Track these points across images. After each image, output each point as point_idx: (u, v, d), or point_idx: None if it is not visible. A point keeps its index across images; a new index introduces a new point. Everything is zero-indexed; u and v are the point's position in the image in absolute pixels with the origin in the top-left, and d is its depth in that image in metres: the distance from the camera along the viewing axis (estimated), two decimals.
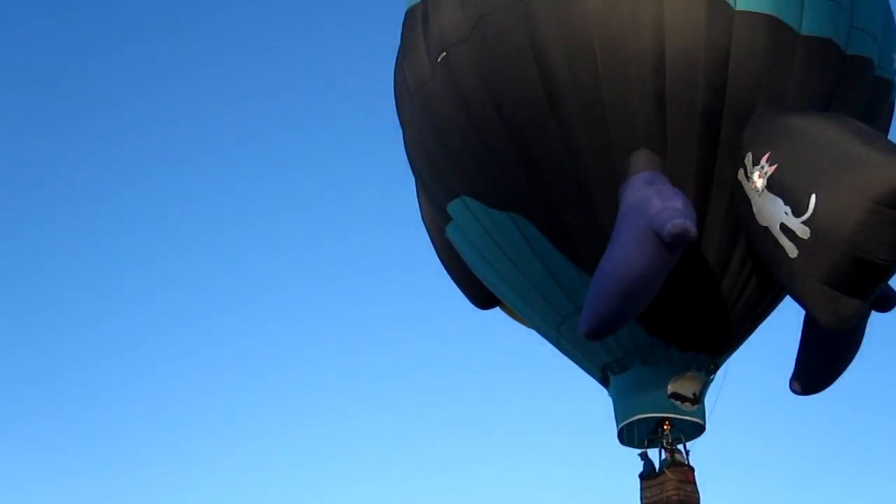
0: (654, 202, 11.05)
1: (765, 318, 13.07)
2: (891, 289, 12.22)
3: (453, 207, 13.54)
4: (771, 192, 10.74)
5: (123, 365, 39.21)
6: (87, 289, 39.60)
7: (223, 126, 42.90)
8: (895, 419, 37.26)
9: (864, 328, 12.53)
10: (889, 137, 13.77)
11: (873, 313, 12.36)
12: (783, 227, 10.52)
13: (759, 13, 11.73)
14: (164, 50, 42.73)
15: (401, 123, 14.12)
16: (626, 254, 11.06)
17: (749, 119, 11.67)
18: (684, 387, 12.52)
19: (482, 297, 14.75)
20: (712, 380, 12.91)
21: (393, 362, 39.35)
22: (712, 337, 12.65)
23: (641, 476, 12.85)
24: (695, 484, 12.55)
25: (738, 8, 11.70)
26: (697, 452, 12.73)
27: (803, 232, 10.28)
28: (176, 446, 36.79)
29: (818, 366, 12.69)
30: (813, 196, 10.19)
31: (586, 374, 13.66)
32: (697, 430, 12.75)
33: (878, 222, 9.83)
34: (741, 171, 11.40)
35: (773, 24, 11.74)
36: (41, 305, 39.57)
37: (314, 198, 40.89)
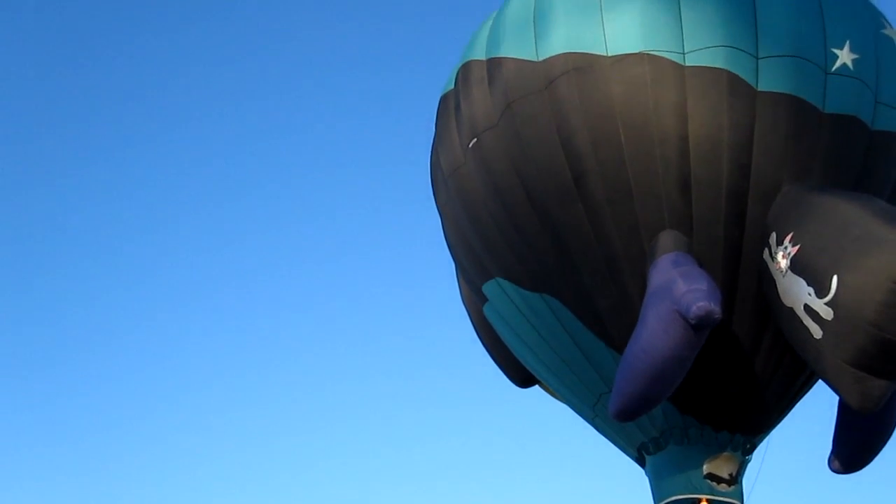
0: (679, 284, 11.15)
1: (802, 395, 12.97)
2: None
3: (488, 288, 13.80)
4: (794, 272, 10.77)
5: (121, 364, 39.80)
6: (85, 288, 40.35)
7: (225, 129, 43.32)
8: None
9: None
10: None
11: None
12: (807, 308, 10.53)
13: (782, 93, 11.87)
14: (166, 54, 43.50)
15: (437, 207, 14.48)
16: (652, 336, 11.15)
17: (775, 198, 11.78)
18: (720, 467, 12.44)
19: (521, 376, 14.91)
20: (749, 460, 12.79)
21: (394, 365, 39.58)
22: (747, 416, 12.59)
23: None
24: None
25: (760, 88, 11.86)
26: None
27: (827, 313, 10.28)
28: (175, 446, 37.25)
29: (855, 444, 12.53)
30: (835, 277, 10.20)
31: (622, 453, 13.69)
32: None
33: None
34: (766, 251, 11.45)
35: (797, 104, 11.86)
36: (39, 304, 40.40)
37: (314, 201, 41.48)
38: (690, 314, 10.75)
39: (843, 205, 10.93)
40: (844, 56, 12.18)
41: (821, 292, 10.35)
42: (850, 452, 12.57)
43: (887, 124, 12.42)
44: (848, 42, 12.23)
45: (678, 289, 11.09)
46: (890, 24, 13.17)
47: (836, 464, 12.66)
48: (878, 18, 13.06)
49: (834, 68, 12.09)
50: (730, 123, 11.81)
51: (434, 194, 14.51)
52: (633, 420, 11.97)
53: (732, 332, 12.09)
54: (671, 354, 11.00)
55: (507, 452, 37.54)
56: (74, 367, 39.47)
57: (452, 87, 13.92)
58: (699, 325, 10.79)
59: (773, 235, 11.35)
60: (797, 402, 13.01)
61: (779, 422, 13.12)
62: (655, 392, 11.28)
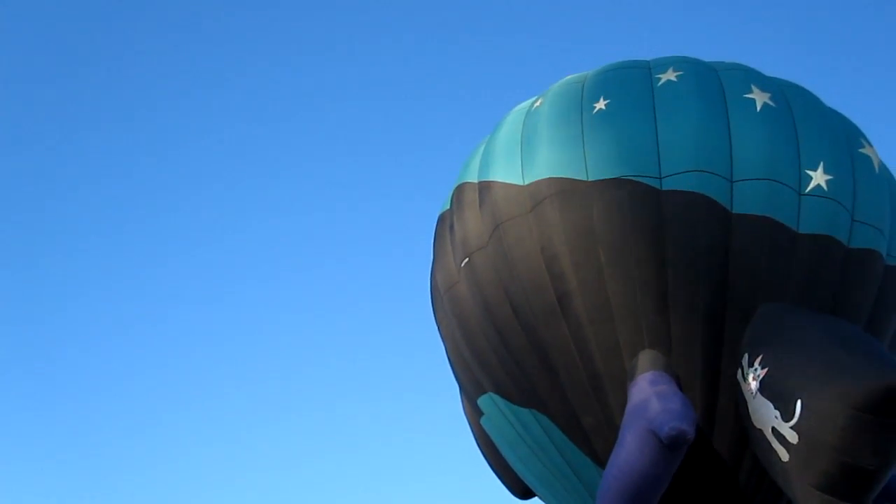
0: (653, 404, 11.45)
1: None
2: None
3: (483, 402, 14.20)
4: (763, 395, 11.00)
5: (120, 362, 40.84)
6: (83, 287, 41.21)
7: (229, 134, 44.36)
8: None
9: None
10: None
11: None
12: (775, 431, 10.73)
13: (756, 215, 12.24)
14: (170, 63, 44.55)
15: (436, 324, 14.97)
16: (628, 455, 11.42)
17: (751, 318, 12.05)
18: None
19: (520, 488, 15.13)
20: None
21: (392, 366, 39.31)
22: None
23: None
24: None
25: (734, 211, 12.26)
26: None
27: (792, 437, 10.47)
28: (174, 446, 37.82)
29: None
30: (799, 402, 10.42)
31: None
32: None
33: (861, 429, 9.97)
34: (739, 372, 11.70)
35: (771, 225, 12.21)
36: (38, 303, 41.12)
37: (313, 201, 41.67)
38: (663, 434, 11.04)
39: (810, 328, 11.18)
40: (818, 177, 12.53)
41: (786, 416, 10.56)
42: None
43: (865, 241, 12.67)
44: (822, 163, 12.59)
45: (652, 408, 11.39)
46: (868, 143, 13.51)
47: None
48: (856, 137, 13.42)
49: (808, 189, 12.44)
50: (705, 245, 12.19)
51: (433, 311, 15.03)
52: None
53: (713, 451, 12.26)
54: (646, 473, 11.24)
55: None
56: (72, 366, 40.98)
57: (448, 207, 14.54)
58: (672, 445, 11.04)
59: (746, 357, 11.61)
60: None
61: None
62: None
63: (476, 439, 15.60)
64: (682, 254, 12.22)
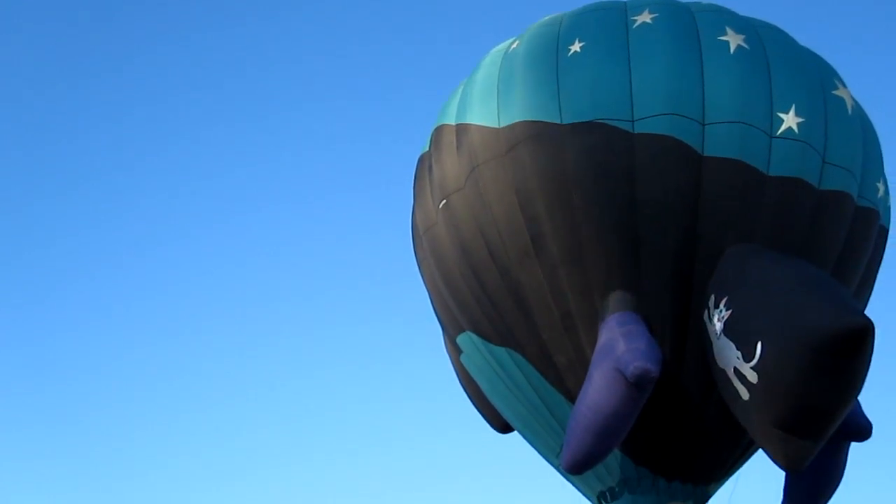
0: (620, 343, 11.76)
1: (756, 447, 13.40)
2: (864, 418, 12.47)
3: (461, 340, 14.53)
4: (726, 336, 11.28)
5: (116, 363, 40.62)
6: (82, 286, 41.39)
7: (230, 132, 44.36)
8: None
9: (846, 458, 12.76)
10: (881, 263, 14.20)
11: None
12: (736, 371, 11.04)
13: (726, 158, 12.39)
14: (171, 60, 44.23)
15: (417, 263, 15.24)
16: (596, 393, 11.77)
17: (719, 261, 12.28)
18: None
19: (500, 422, 15.55)
20: None
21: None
22: (699, 467, 13.08)
23: None
24: None
25: (705, 154, 12.41)
26: None
27: (753, 377, 10.78)
28: (173, 446, 38.05)
29: (804, 493, 12.91)
30: (759, 343, 10.71)
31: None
32: None
33: (818, 370, 10.27)
34: (706, 313, 11.97)
35: (741, 168, 12.37)
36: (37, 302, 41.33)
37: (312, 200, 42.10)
38: (628, 373, 11.37)
39: (773, 271, 11.41)
40: (790, 120, 12.64)
41: (747, 357, 10.86)
42: (800, 502, 12.97)
43: (835, 184, 12.84)
44: (794, 106, 12.69)
45: (619, 348, 11.71)
46: (842, 84, 13.58)
47: None
48: (830, 78, 13.48)
49: (779, 132, 12.56)
50: (675, 188, 12.38)
51: (414, 250, 15.28)
52: (582, 473, 12.55)
53: (683, 388, 12.61)
54: (613, 411, 11.59)
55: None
56: (68, 365, 40.79)
57: (428, 148, 14.70)
58: (637, 384, 11.38)
59: (712, 298, 11.87)
60: (751, 453, 13.44)
61: (733, 472, 13.58)
62: (600, 447, 11.86)
63: (458, 376, 15.98)
64: (652, 196, 12.41)
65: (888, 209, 14.17)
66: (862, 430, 12.39)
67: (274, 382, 41.07)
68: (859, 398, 12.52)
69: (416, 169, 15.15)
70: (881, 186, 13.75)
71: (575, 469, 12.16)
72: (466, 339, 14.36)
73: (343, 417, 39.69)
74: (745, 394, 10.94)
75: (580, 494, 14.18)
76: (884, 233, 13.99)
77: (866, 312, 14.26)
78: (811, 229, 12.64)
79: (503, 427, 15.60)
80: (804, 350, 10.28)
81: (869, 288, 14.11)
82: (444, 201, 13.91)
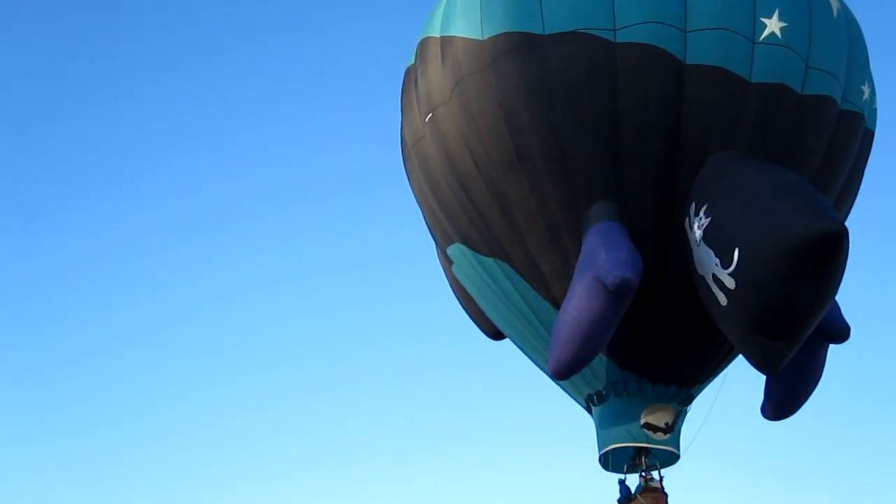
0: (600, 253, 11.98)
1: (737, 351, 13.70)
2: (843, 321, 12.72)
3: (452, 251, 14.77)
4: (705, 243, 11.46)
5: (116, 363, 40.07)
6: (83, 285, 40.92)
7: (223, 122, 43.86)
8: (860, 442, 37.46)
9: (825, 358, 13.08)
10: (867, 164, 14.27)
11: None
12: (714, 278, 11.25)
13: (709, 66, 12.39)
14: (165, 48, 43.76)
15: (406, 176, 15.38)
16: (578, 302, 12.02)
17: (702, 168, 12.38)
18: (656, 417, 13.35)
19: (492, 329, 15.88)
20: (687, 410, 13.68)
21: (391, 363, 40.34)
22: (682, 371, 13.43)
23: (619, 501, 13.80)
24: None
25: (688, 62, 12.41)
26: (679, 479, 13.63)
27: (730, 283, 10.99)
28: (173, 446, 37.56)
29: (783, 394, 13.26)
30: (737, 250, 10.89)
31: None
32: (672, 458, 13.58)
33: (792, 275, 10.47)
34: (686, 221, 12.14)
35: (723, 75, 12.37)
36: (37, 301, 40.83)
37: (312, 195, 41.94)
38: (608, 282, 11.61)
39: (752, 179, 11.53)
40: (773, 25, 12.59)
41: (725, 263, 11.05)
42: (780, 401, 13.33)
43: (818, 88, 12.85)
44: (777, 10, 12.62)
45: (600, 257, 11.92)
46: None
47: (769, 412, 13.43)
48: None
49: (762, 38, 12.53)
50: (658, 97, 12.41)
51: (403, 164, 15.41)
52: (567, 378, 12.91)
53: (666, 294, 12.86)
54: (594, 319, 11.86)
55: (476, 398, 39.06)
56: (69, 365, 40.04)
57: (413, 61, 14.69)
58: (616, 292, 11.62)
59: (693, 206, 12.02)
60: (734, 356, 13.74)
61: (715, 375, 13.93)
62: (583, 354, 12.16)
63: (451, 286, 16.26)
64: (635, 105, 12.45)
65: (874, 112, 14.18)
66: (840, 332, 12.66)
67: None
68: (839, 301, 12.84)
69: (403, 82, 15.15)
70: (866, 89, 13.74)
71: (559, 375, 12.50)
72: (456, 251, 14.60)
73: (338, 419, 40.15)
74: (723, 299, 11.17)
75: (570, 398, 14.63)
76: (869, 135, 14.03)
77: (852, 213, 14.75)
78: (793, 135, 12.70)
79: (495, 334, 15.94)
80: (779, 255, 10.45)
81: (854, 190, 14.22)
82: (431, 115, 13.97)
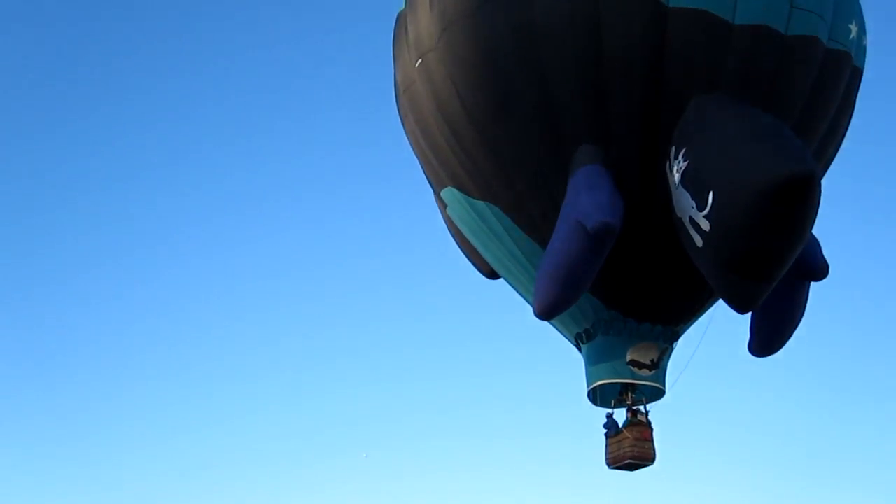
0: (583, 197, 12.25)
1: None
2: (822, 259, 12.94)
3: (445, 194, 15.08)
4: (683, 186, 11.69)
5: (118, 363, 40.86)
6: (85, 286, 41.72)
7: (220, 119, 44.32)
8: (844, 378, 38.47)
9: (807, 296, 13.34)
10: (856, 102, 14.33)
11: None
12: (691, 220, 11.50)
13: (692, 9, 12.45)
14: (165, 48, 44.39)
15: (400, 120, 15.63)
16: (560, 244, 12.35)
17: (684, 111, 12.54)
18: (642, 354, 13.75)
19: (487, 268, 16.24)
20: (673, 347, 14.05)
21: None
22: (666, 310, 13.79)
23: (606, 435, 14.27)
24: (651, 441, 13.87)
25: (671, 5, 12.48)
26: (665, 414, 14.08)
27: (705, 225, 11.24)
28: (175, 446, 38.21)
29: (768, 331, 13.56)
30: (711, 193, 11.12)
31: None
32: (657, 393, 14.00)
33: (763, 216, 10.69)
34: (667, 164, 12.35)
35: (706, 18, 12.43)
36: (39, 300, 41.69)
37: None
38: (589, 226, 11.91)
39: (728, 123, 11.68)
40: None
41: (701, 206, 11.29)
42: (765, 338, 13.63)
43: (803, 28, 12.87)
44: None
45: (582, 201, 12.21)
46: None
47: (755, 348, 13.75)
48: None
49: None
50: (641, 41, 12.53)
51: (397, 108, 15.65)
52: (551, 319, 13.27)
53: (650, 235, 13.11)
54: (575, 262, 12.19)
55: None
56: (70, 366, 40.74)
57: (404, 7, 14.85)
58: (596, 236, 11.91)
59: (674, 149, 12.22)
60: (717, 297, 13.97)
61: (701, 314, 14.24)
62: (566, 295, 12.51)
63: (447, 227, 16.59)
64: (618, 49, 12.57)
65: (863, 49, 14.17)
66: (819, 270, 12.91)
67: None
68: (819, 240, 13.08)
69: (395, 28, 15.31)
70: (854, 28, 13.71)
71: (543, 315, 12.85)
72: (449, 194, 14.91)
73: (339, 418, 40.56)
74: (699, 241, 11.43)
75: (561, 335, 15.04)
76: (857, 74, 14.05)
77: (841, 151, 14.86)
78: (777, 76, 12.77)
79: (490, 273, 16.30)
80: (750, 198, 10.65)
81: (841, 129, 14.29)
82: (420, 60, 14.16)
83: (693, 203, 11.44)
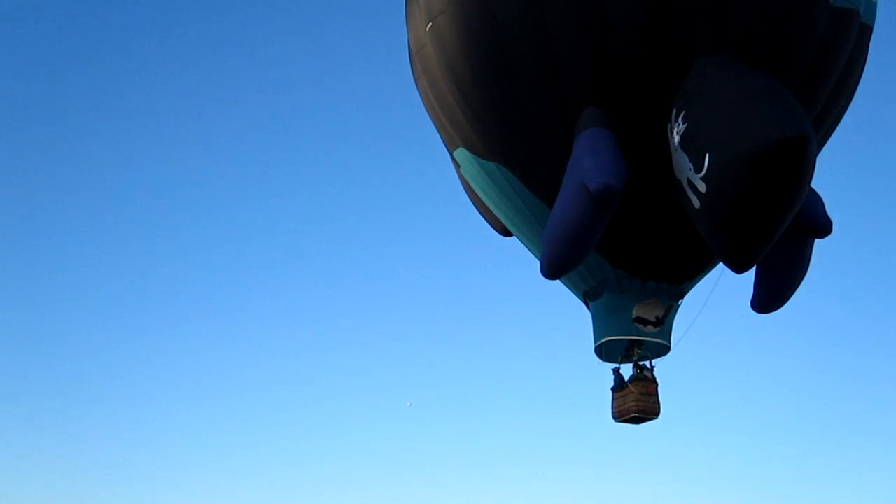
0: (586, 160, 12.48)
1: None
2: (825, 216, 13.07)
3: (458, 155, 15.40)
4: (682, 148, 11.88)
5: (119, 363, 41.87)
6: (86, 287, 42.51)
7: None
8: (840, 340, 39.45)
9: (810, 253, 13.49)
10: (866, 59, 14.32)
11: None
12: (689, 182, 11.70)
13: None
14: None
15: (414, 82, 15.91)
16: (564, 206, 12.62)
17: (688, 73, 12.68)
18: (647, 312, 14.05)
19: (501, 226, 16.57)
20: (678, 305, 14.32)
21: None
22: (670, 268, 14.04)
23: (613, 389, 14.64)
24: (656, 396, 14.22)
25: None
26: (670, 370, 14.43)
27: (702, 187, 11.44)
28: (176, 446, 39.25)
29: (771, 288, 13.76)
30: (707, 155, 11.31)
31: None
32: (662, 349, 14.32)
33: (756, 178, 10.86)
34: (669, 126, 12.52)
35: None
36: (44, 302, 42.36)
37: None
38: (592, 188, 12.16)
39: (726, 86, 11.79)
40: None
41: (697, 168, 11.49)
42: (768, 295, 13.84)
43: None
44: None
45: (585, 164, 12.44)
46: None
47: (758, 305, 13.97)
48: None
49: None
50: (645, 3, 12.62)
51: (411, 70, 15.92)
52: (557, 278, 13.59)
53: (654, 195, 13.34)
54: (579, 222, 12.46)
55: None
56: (72, 367, 41.64)
57: None
58: (598, 198, 12.16)
59: (674, 112, 12.38)
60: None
61: (706, 272, 14.47)
62: (570, 256, 12.79)
63: (463, 186, 16.91)
64: (622, 13, 12.70)
65: (873, 6, 14.13)
66: (822, 227, 13.05)
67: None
68: (822, 197, 13.24)
69: None
70: None
71: (550, 275, 13.17)
72: (461, 154, 15.22)
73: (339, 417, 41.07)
74: (696, 202, 11.64)
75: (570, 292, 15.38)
76: (867, 30, 14.04)
77: (851, 108, 14.88)
78: (781, 37, 12.83)
79: (504, 231, 16.62)
80: (744, 160, 10.81)
81: (850, 87, 14.31)
82: (431, 24, 14.39)
83: (691, 165, 11.64)
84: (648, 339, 14.10)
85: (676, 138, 12.10)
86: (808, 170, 11.00)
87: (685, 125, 11.94)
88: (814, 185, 13.42)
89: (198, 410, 40.84)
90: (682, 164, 11.87)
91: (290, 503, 37.56)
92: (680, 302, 14.40)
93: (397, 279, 41.52)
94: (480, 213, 16.93)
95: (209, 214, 44.45)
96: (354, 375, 40.48)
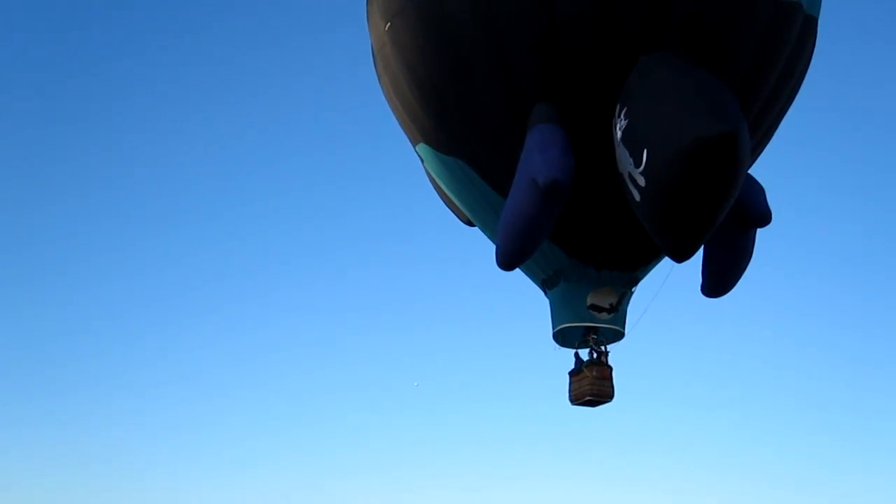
0: (535, 155, 12.96)
1: None
2: (765, 206, 13.52)
3: (419, 150, 15.87)
4: (623, 144, 12.35)
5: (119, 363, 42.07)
6: (88, 287, 42.82)
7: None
8: (789, 323, 40.55)
9: (753, 241, 13.95)
10: (813, 51, 14.73)
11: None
12: (630, 176, 12.17)
13: None
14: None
15: (377, 77, 16.37)
16: (515, 200, 13.12)
17: (632, 70, 13.12)
18: (601, 299, 14.57)
19: (465, 217, 17.04)
20: (632, 292, 14.84)
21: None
22: (622, 256, 14.54)
23: (570, 373, 15.19)
24: (610, 380, 14.77)
25: None
26: (625, 355, 14.98)
27: (641, 181, 11.91)
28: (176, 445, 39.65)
29: (718, 274, 14.25)
30: (646, 151, 11.78)
31: None
32: (616, 335, 14.85)
33: (689, 175, 11.33)
34: (614, 121, 12.99)
35: None
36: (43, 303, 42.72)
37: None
38: (540, 182, 12.64)
39: (664, 82, 12.24)
40: None
41: (637, 163, 11.96)
42: (714, 281, 14.32)
43: None
44: None
45: (534, 159, 12.92)
46: None
47: (706, 290, 14.46)
48: None
49: None
50: (591, 2, 13.08)
51: (374, 66, 16.38)
52: (512, 270, 14.07)
53: (603, 188, 13.79)
54: (528, 216, 12.95)
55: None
56: (73, 367, 41.94)
57: None
58: (546, 192, 12.64)
59: (618, 107, 12.84)
60: None
61: (658, 260, 14.97)
62: (522, 248, 13.31)
63: (428, 179, 17.40)
64: (569, 8, 13.11)
65: None
66: (761, 217, 13.49)
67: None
68: (764, 187, 13.70)
69: None
70: None
71: (504, 266, 13.67)
72: (423, 149, 15.70)
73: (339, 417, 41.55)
74: (637, 196, 12.12)
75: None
76: (811, 22, 14.42)
77: (798, 98, 15.29)
78: (722, 32, 13.24)
79: (468, 221, 17.10)
80: (677, 156, 11.25)
81: (794, 79, 14.68)
82: (389, 24, 14.85)
83: (631, 160, 12.10)
84: (603, 325, 14.63)
85: (619, 133, 12.56)
86: (739, 165, 11.43)
87: (626, 121, 12.39)
88: (759, 175, 14.02)
89: (198, 410, 41.62)
90: (624, 159, 12.34)
91: (287, 499, 38.16)
92: (633, 289, 14.91)
93: (374, 273, 42.19)
94: (446, 203, 17.41)
95: (209, 214, 44.71)
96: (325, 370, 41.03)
